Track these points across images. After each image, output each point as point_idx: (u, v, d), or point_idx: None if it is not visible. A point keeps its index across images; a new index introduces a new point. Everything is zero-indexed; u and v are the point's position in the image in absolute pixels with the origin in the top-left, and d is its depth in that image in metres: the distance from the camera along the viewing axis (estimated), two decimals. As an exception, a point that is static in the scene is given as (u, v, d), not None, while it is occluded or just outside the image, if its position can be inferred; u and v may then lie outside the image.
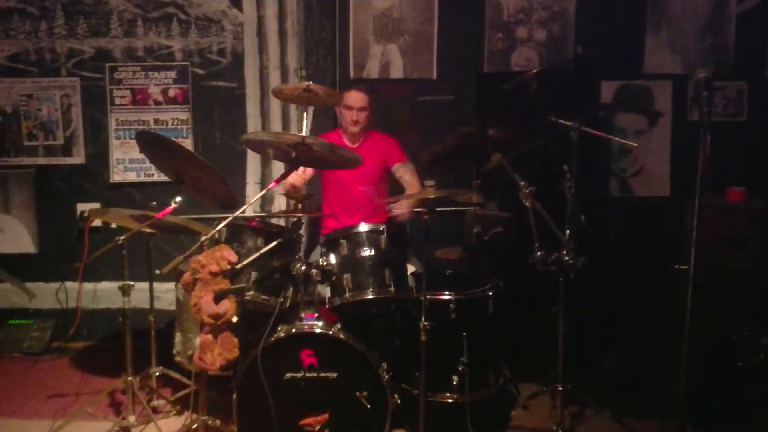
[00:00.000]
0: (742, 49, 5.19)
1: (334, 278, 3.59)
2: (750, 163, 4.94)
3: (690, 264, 2.80)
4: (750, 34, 5.18)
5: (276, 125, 5.16)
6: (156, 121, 5.14)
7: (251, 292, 3.45)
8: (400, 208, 4.25)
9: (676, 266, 2.85)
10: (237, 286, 3.17)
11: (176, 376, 4.07)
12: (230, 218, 3.29)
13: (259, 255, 3.36)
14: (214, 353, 3.10)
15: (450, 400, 3.67)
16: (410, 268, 3.82)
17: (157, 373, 4.08)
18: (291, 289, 3.62)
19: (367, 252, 3.58)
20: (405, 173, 4.50)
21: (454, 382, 3.64)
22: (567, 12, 5.13)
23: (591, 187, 4.66)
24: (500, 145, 3.70)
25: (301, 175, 4.15)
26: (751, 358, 3.88)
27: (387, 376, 3.39)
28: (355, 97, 4.34)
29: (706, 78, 2.77)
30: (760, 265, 4.22)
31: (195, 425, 3.42)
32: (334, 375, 3.37)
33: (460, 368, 3.62)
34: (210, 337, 3.10)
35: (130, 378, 3.75)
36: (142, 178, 5.14)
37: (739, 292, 4.12)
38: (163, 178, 3.92)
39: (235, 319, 3.11)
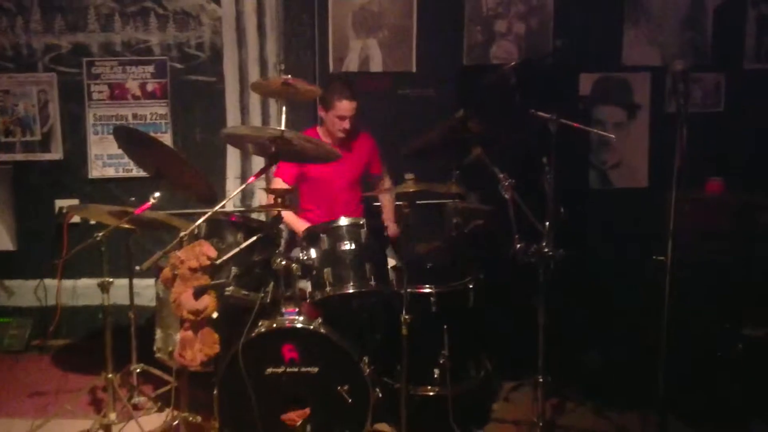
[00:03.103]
0: (720, 41, 5.23)
1: (314, 272, 3.59)
2: (728, 155, 4.98)
3: (668, 255, 2.81)
4: (727, 26, 5.22)
5: (255, 119, 5.15)
6: (135, 116, 5.11)
7: (231, 288, 3.45)
8: (393, 231, 4.35)
9: (654, 257, 2.87)
10: (217, 281, 3.16)
11: (157, 372, 4.06)
12: (210, 213, 3.28)
13: (239, 250, 3.34)
14: (195, 349, 3.09)
15: (431, 393, 3.68)
16: (391, 262, 3.83)
17: (138, 370, 4.06)
18: (272, 284, 3.61)
19: (348, 246, 3.58)
20: (385, 182, 4.60)
21: (436, 375, 3.66)
22: (546, 5, 5.15)
23: (570, 179, 4.66)
24: (480, 138, 3.70)
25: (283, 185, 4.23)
26: (731, 350, 3.92)
27: (368, 370, 3.40)
28: (348, 107, 4.24)
29: (683, 70, 2.79)
30: (738, 255, 4.25)
31: (176, 422, 3.40)
32: (316, 369, 3.37)
33: (441, 361, 3.63)
34: (190, 333, 3.09)
35: (110, 375, 3.73)
36: (121, 174, 5.11)
37: (717, 284, 4.15)
38: (143, 173, 3.90)
39: (215, 315, 3.09)
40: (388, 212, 4.56)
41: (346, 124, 4.27)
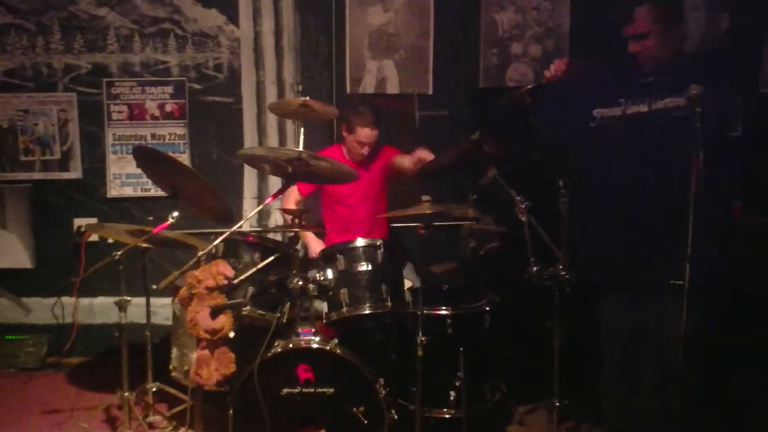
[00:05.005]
0: (737, 64, 5.21)
1: (330, 293, 3.60)
2: (745, 178, 4.95)
3: (685, 279, 2.80)
4: (744, 49, 5.21)
5: (273, 140, 5.18)
6: (153, 136, 5.15)
7: (248, 307, 3.47)
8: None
9: (671, 281, 2.86)
10: (233, 301, 3.18)
11: (172, 391, 4.06)
12: (227, 233, 3.30)
13: (255, 270, 3.36)
14: (211, 368, 3.10)
15: (447, 416, 3.66)
16: (407, 283, 3.83)
17: (154, 389, 4.06)
18: (288, 304, 3.63)
19: (364, 267, 3.59)
20: (403, 159, 4.47)
21: (451, 398, 3.64)
22: (561, 27, 5.16)
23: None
24: (495, 159, 3.71)
25: (295, 197, 4.31)
26: (745, 371, 3.90)
27: (383, 392, 3.40)
28: (369, 135, 4.31)
29: (699, 94, 2.78)
30: (755, 279, 4.22)
31: (191, 441, 3.42)
32: (331, 390, 3.37)
33: (456, 383, 3.62)
34: (206, 352, 3.10)
35: (126, 393, 3.75)
36: (139, 193, 5.15)
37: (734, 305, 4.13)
38: (160, 192, 3.94)
39: (231, 335, 3.11)
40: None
41: (365, 151, 4.33)
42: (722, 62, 3.97)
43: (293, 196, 4.39)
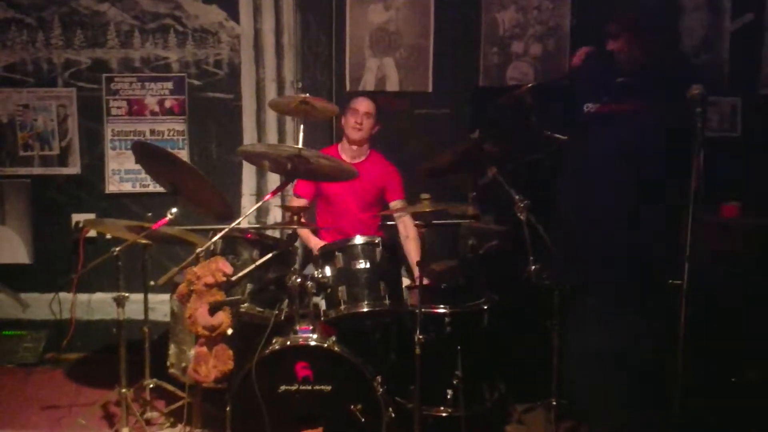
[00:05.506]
0: (736, 65, 5.22)
1: (329, 290, 3.59)
2: (744, 179, 4.96)
3: (684, 279, 2.80)
4: (744, 50, 5.21)
5: (272, 137, 5.17)
6: (152, 132, 5.14)
7: (246, 304, 3.47)
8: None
9: (670, 281, 2.86)
10: (232, 298, 3.17)
11: (170, 388, 4.05)
12: (226, 230, 3.30)
13: (254, 267, 3.36)
14: (209, 365, 3.10)
15: (445, 414, 3.67)
16: (405, 281, 3.82)
17: (151, 385, 4.05)
18: (286, 301, 3.62)
19: (363, 264, 3.58)
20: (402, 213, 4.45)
21: (449, 396, 3.64)
22: (562, 27, 5.16)
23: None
24: (495, 159, 3.71)
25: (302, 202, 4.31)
26: (745, 374, 3.89)
27: (381, 390, 3.39)
28: (362, 102, 4.38)
29: (700, 94, 2.78)
30: (753, 280, 4.23)
31: (188, 437, 3.41)
32: (329, 388, 3.37)
33: (454, 382, 3.62)
34: (205, 349, 3.10)
35: (123, 390, 3.74)
36: (138, 189, 5.14)
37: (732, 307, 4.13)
38: (159, 189, 3.93)
39: (230, 331, 3.10)
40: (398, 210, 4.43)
41: (359, 119, 4.33)
42: (691, 70, 3.99)
43: (297, 201, 4.39)
